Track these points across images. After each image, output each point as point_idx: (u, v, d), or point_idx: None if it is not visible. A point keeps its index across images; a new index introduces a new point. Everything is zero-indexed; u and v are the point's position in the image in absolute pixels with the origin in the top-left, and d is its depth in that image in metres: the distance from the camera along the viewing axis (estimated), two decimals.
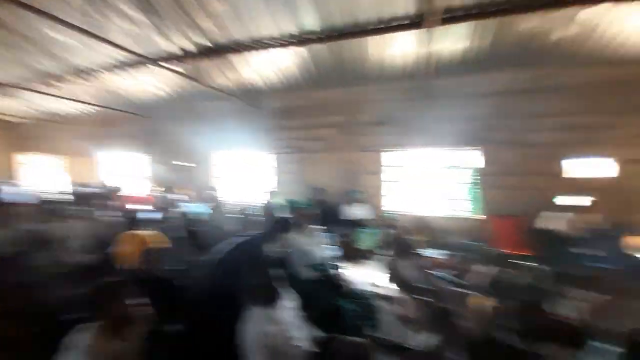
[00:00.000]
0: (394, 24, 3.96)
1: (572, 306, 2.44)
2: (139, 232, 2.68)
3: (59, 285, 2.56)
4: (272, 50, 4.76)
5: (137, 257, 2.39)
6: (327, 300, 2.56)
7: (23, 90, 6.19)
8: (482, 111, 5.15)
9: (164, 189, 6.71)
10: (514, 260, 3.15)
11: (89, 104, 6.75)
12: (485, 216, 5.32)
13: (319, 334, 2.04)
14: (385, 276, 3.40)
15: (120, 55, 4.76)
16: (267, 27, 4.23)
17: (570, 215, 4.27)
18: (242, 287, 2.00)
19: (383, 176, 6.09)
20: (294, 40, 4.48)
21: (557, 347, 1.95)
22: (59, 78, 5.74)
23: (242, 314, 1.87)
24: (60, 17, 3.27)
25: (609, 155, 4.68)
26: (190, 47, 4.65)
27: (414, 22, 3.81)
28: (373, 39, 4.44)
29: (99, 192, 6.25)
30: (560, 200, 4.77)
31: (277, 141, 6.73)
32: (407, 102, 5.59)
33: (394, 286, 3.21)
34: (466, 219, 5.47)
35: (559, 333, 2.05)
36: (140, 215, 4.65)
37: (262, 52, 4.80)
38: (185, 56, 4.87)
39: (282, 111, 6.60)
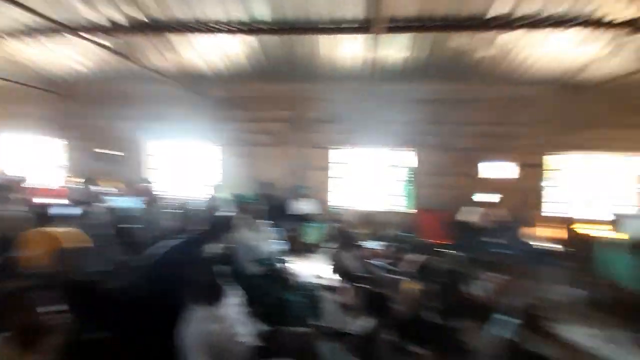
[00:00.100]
0: (344, 25, 4.12)
1: (481, 286, 2.91)
2: (50, 229, 2.35)
3: None
4: (219, 36, 4.52)
5: (48, 258, 2.09)
6: (274, 294, 2.59)
7: None
8: (417, 117, 5.71)
9: (83, 181, 5.82)
10: (438, 249, 3.61)
11: None
12: (416, 210, 5.91)
13: (264, 328, 2.07)
14: (329, 267, 3.57)
15: (29, 19, 4.00)
16: (215, 10, 4.01)
17: (482, 209, 5.03)
18: (182, 287, 1.92)
19: (330, 172, 6.30)
20: (244, 28, 4.32)
21: (469, 321, 2.33)
22: None
23: (182, 316, 1.80)
24: None
25: (513, 160, 5.61)
26: (121, 20, 4.14)
27: (362, 26, 4.03)
28: (325, 38, 4.55)
29: None
30: (477, 197, 5.58)
31: (223, 132, 6.41)
32: (354, 102, 5.86)
33: (337, 276, 3.40)
34: (401, 213, 6.02)
35: (471, 309, 2.44)
36: (53, 211, 4.02)
37: (208, 35, 4.52)
38: (114, 29, 4.32)
39: (230, 101, 6.30)
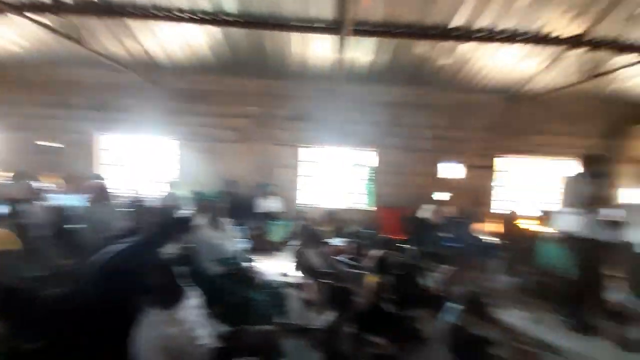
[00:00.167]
0: (315, 25, 4.14)
1: (434, 278, 3.14)
2: None
3: None
4: (181, 24, 4.28)
5: None
6: (238, 294, 2.55)
7: None
8: (380, 118, 5.94)
9: (13, 175, 5.05)
10: (396, 244, 3.82)
11: None
12: (377, 208, 6.16)
13: (226, 328, 2.03)
14: (293, 265, 3.60)
15: None
16: None
17: (435, 207, 5.41)
18: (135, 291, 1.81)
19: (298, 170, 6.29)
20: (208, 18, 4.15)
21: (424, 310, 2.50)
22: None
23: (135, 321, 1.70)
24: None
25: (466, 162, 6.09)
26: None
27: (332, 27, 4.08)
28: (295, 36, 4.53)
29: None
30: (436, 195, 5.97)
31: (181, 127, 6.07)
32: (320, 101, 5.91)
33: (300, 273, 3.43)
34: (363, 211, 6.23)
35: (425, 299, 2.62)
36: None
37: (168, 22, 4.26)
38: (56, 7, 3.90)
39: (190, 94, 5.99)
